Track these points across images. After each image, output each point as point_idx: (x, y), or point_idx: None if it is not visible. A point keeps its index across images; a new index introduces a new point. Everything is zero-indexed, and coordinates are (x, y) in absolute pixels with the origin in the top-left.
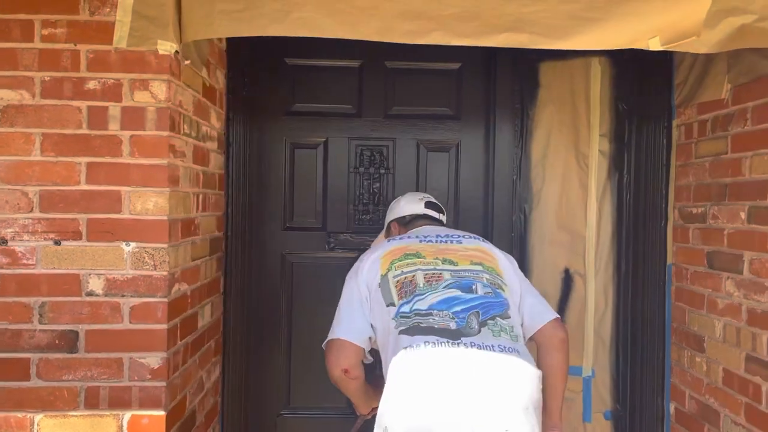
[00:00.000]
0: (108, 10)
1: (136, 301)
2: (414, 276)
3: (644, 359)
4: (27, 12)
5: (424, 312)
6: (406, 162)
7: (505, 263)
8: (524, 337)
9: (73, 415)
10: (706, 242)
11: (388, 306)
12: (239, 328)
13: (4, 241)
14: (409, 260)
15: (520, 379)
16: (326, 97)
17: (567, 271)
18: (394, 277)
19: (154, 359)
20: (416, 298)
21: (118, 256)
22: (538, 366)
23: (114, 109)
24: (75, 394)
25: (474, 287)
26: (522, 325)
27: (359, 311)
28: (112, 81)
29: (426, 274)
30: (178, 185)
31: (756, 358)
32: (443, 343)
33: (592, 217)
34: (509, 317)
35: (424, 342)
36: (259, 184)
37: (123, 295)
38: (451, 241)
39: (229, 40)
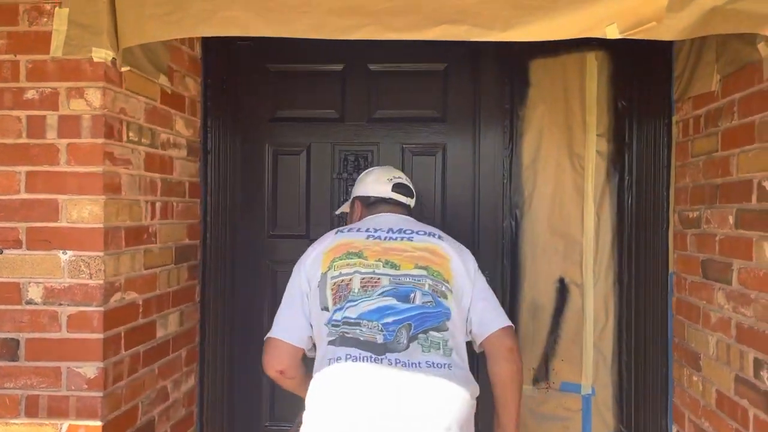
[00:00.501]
0: (45, 20)
1: (73, 309)
2: (351, 279)
3: (647, 377)
4: None
5: (353, 321)
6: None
7: (457, 264)
8: (476, 344)
9: (14, 423)
10: (700, 249)
11: (322, 310)
12: (219, 337)
13: None
14: (349, 260)
15: (441, 399)
16: (309, 103)
17: (562, 281)
18: (332, 278)
19: (90, 369)
20: (348, 305)
21: (56, 265)
22: (489, 376)
23: (51, 118)
24: (16, 402)
25: (412, 296)
26: (471, 332)
27: (300, 309)
28: (50, 90)
29: (363, 278)
30: (119, 193)
31: (744, 379)
32: (365, 358)
33: (590, 223)
34: (446, 329)
35: (346, 355)
36: (241, 191)
37: (60, 304)
38: (402, 239)
39: (206, 47)
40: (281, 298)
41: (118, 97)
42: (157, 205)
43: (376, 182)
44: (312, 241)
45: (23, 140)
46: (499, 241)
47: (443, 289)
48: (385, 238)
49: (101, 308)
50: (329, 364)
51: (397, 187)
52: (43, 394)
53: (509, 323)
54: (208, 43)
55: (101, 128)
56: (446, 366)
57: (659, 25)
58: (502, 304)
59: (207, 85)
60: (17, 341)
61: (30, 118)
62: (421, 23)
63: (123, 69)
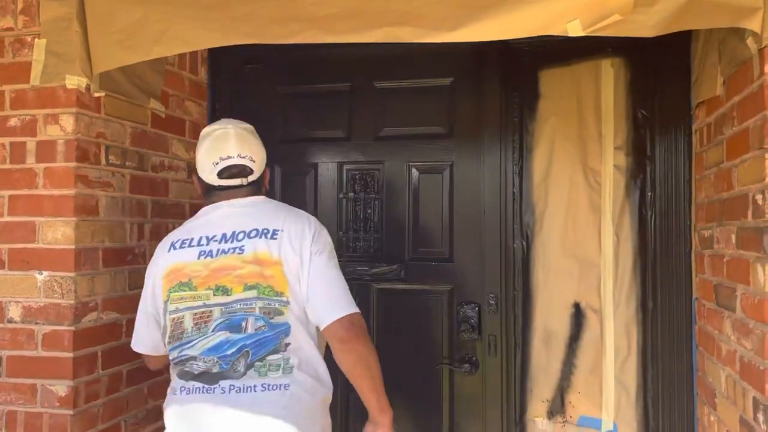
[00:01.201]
0: (27, 51)
1: (48, 328)
2: (183, 317)
3: (674, 415)
4: None
5: (188, 357)
6: (396, 185)
7: (290, 266)
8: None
9: None
10: (714, 272)
11: (166, 339)
12: None
13: None
14: (182, 293)
15: (276, 417)
16: (316, 123)
17: (578, 306)
18: (170, 312)
19: (61, 387)
20: (186, 346)
21: (33, 285)
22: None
23: (30, 144)
24: None
25: (244, 324)
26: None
27: (149, 320)
28: (29, 117)
29: (195, 315)
30: (95, 214)
31: (746, 421)
32: (198, 390)
33: (608, 243)
34: (285, 348)
35: (180, 388)
36: None
37: (37, 323)
38: (233, 250)
39: (214, 72)
40: None
41: (95, 122)
42: (147, 226)
43: (205, 163)
44: None
45: (7, 165)
46: (510, 263)
47: (276, 306)
48: (216, 253)
49: (72, 327)
50: (172, 394)
51: (225, 173)
52: (20, 410)
53: (345, 312)
54: (216, 68)
55: (73, 152)
56: (283, 387)
57: (627, 20)
58: (514, 330)
59: (215, 109)
60: (0, 358)
61: (12, 145)
62: (363, 26)
63: (97, 94)
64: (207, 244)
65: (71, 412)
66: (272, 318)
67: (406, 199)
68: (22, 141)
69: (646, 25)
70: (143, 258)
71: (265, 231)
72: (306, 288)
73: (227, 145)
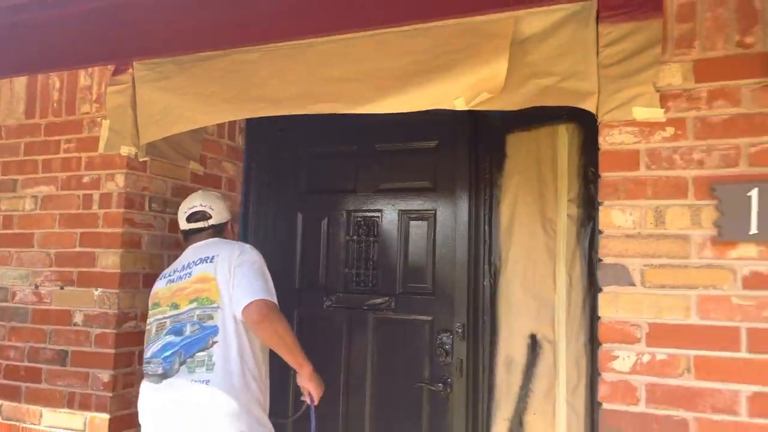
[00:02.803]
0: (97, 128)
1: (98, 331)
2: (152, 327)
3: None
4: (58, 134)
5: (148, 359)
6: (391, 230)
7: (221, 279)
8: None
9: (61, 412)
10: None
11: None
12: None
13: (36, 286)
14: (153, 310)
15: (201, 407)
16: (331, 178)
17: (534, 337)
18: (147, 325)
19: (105, 375)
20: (149, 347)
21: (91, 298)
22: None
23: (95, 195)
24: (63, 396)
25: (184, 329)
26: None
27: None
28: (96, 176)
29: (158, 324)
30: (138, 248)
31: None
32: (149, 387)
33: (561, 283)
34: (210, 346)
35: (142, 386)
36: (277, 250)
37: (92, 327)
38: (186, 276)
39: (251, 137)
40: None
41: (141, 178)
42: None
43: (180, 214)
44: (326, 291)
45: (80, 210)
46: (479, 298)
47: (209, 312)
48: (176, 279)
49: (114, 331)
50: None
51: (191, 218)
52: (77, 391)
53: (258, 297)
54: (253, 134)
55: (123, 201)
56: (206, 382)
57: (498, 98)
58: (483, 357)
59: (251, 168)
60: (67, 352)
61: (84, 196)
62: (304, 102)
63: (142, 159)
64: (173, 274)
65: (110, 395)
66: (204, 322)
67: (398, 242)
68: (90, 193)
69: (513, 102)
70: None
71: (207, 258)
72: (231, 291)
73: (193, 199)
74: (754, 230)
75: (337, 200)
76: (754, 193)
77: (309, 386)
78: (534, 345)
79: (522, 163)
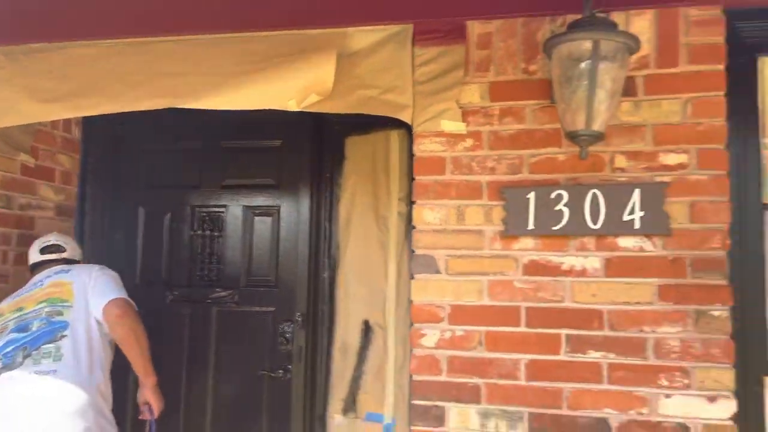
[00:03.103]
0: None
1: None
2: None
3: None
4: None
5: None
6: (236, 225)
7: (79, 284)
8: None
9: None
10: None
11: None
12: None
13: None
14: (7, 315)
15: (46, 401)
16: (174, 173)
17: (367, 323)
18: None
19: None
20: None
21: None
22: None
23: None
24: None
25: (30, 326)
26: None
27: None
28: None
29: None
30: None
31: None
32: None
33: (392, 274)
34: (59, 339)
35: None
36: (118, 244)
37: None
38: (40, 286)
39: (86, 130)
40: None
41: None
42: (11, 254)
43: (33, 252)
44: (169, 286)
45: None
46: (319, 289)
47: (59, 308)
48: (23, 293)
49: None
50: None
51: (45, 250)
52: None
53: (117, 296)
54: (90, 126)
55: None
56: (52, 372)
57: (327, 104)
58: (321, 343)
59: (87, 161)
60: None
61: None
62: (142, 98)
63: None
64: (18, 295)
65: None
66: (53, 317)
67: (243, 237)
68: None
69: (340, 107)
70: (4, 279)
71: (63, 270)
72: (89, 296)
73: (48, 236)
74: (531, 226)
75: (181, 196)
76: (531, 196)
77: (151, 398)
78: (367, 330)
79: (359, 165)
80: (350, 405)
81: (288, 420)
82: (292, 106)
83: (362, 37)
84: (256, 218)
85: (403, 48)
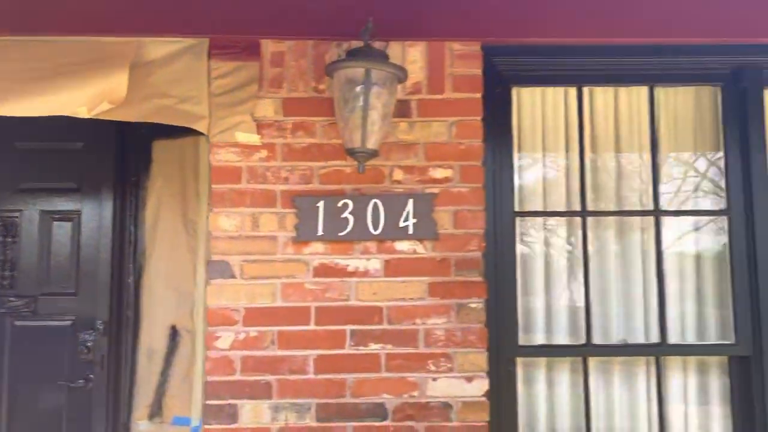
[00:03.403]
0: None
1: None
2: None
3: None
4: None
5: None
6: (32, 230)
7: None
8: None
9: None
10: None
11: None
12: None
13: None
14: None
15: None
16: None
17: (174, 328)
18: None
19: None
20: None
21: None
22: None
23: None
24: None
25: None
26: None
27: None
28: None
29: None
30: None
31: None
32: None
33: (200, 277)
34: None
35: None
36: None
37: None
38: None
39: None
40: None
41: None
42: None
43: None
44: None
45: None
46: (124, 295)
47: None
48: None
49: None
50: None
51: None
52: None
53: None
54: None
55: None
56: None
57: (120, 111)
58: (125, 350)
59: None
60: None
61: None
62: None
63: None
64: None
65: None
66: None
67: (40, 243)
68: None
69: (133, 115)
70: None
71: None
72: None
73: None
74: (321, 232)
75: None
76: (321, 204)
77: None
78: (174, 335)
79: (167, 168)
80: (156, 410)
81: (89, 430)
82: (83, 113)
83: (158, 47)
84: (55, 223)
85: (199, 60)
